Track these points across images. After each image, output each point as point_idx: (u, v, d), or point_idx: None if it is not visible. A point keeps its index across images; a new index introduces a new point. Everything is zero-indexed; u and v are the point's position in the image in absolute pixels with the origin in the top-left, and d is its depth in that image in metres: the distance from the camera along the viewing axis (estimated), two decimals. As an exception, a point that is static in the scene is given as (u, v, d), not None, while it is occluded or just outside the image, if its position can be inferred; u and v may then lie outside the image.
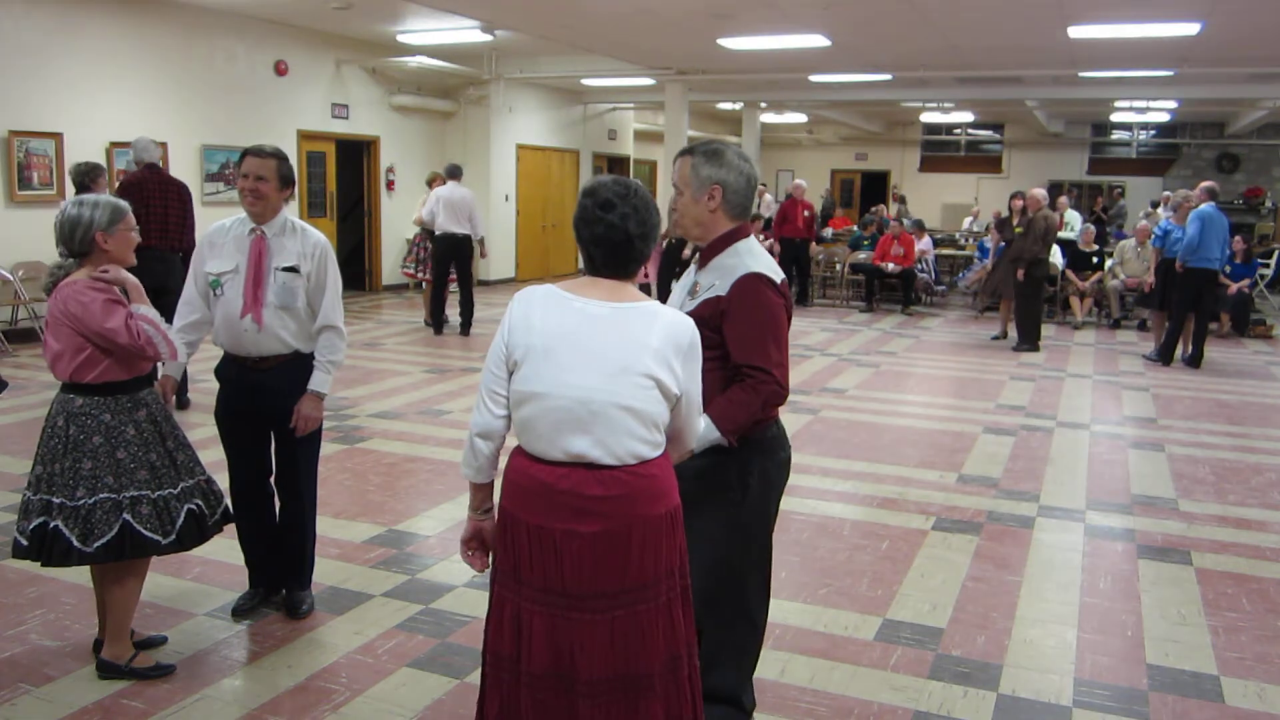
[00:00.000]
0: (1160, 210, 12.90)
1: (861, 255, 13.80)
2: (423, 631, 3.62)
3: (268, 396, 3.53)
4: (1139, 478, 5.85)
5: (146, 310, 3.11)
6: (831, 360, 9.47)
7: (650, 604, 2.25)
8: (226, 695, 3.16)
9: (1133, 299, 12.02)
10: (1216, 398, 8.19)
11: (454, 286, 10.52)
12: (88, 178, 6.38)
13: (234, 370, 3.59)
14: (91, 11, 9.60)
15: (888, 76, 13.95)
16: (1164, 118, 19.10)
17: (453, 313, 10.70)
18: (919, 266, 13.50)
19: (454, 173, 10.29)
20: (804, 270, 13.54)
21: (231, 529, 3.63)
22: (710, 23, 9.94)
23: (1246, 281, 12.10)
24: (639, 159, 19.78)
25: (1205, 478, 5.89)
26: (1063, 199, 14.65)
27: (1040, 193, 10.46)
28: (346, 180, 13.38)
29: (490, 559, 2.42)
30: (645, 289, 11.55)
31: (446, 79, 14.12)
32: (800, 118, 19.91)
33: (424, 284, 11.18)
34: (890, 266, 13.03)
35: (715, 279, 2.64)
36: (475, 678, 2.92)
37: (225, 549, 4.04)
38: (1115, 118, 19.68)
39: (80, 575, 3.67)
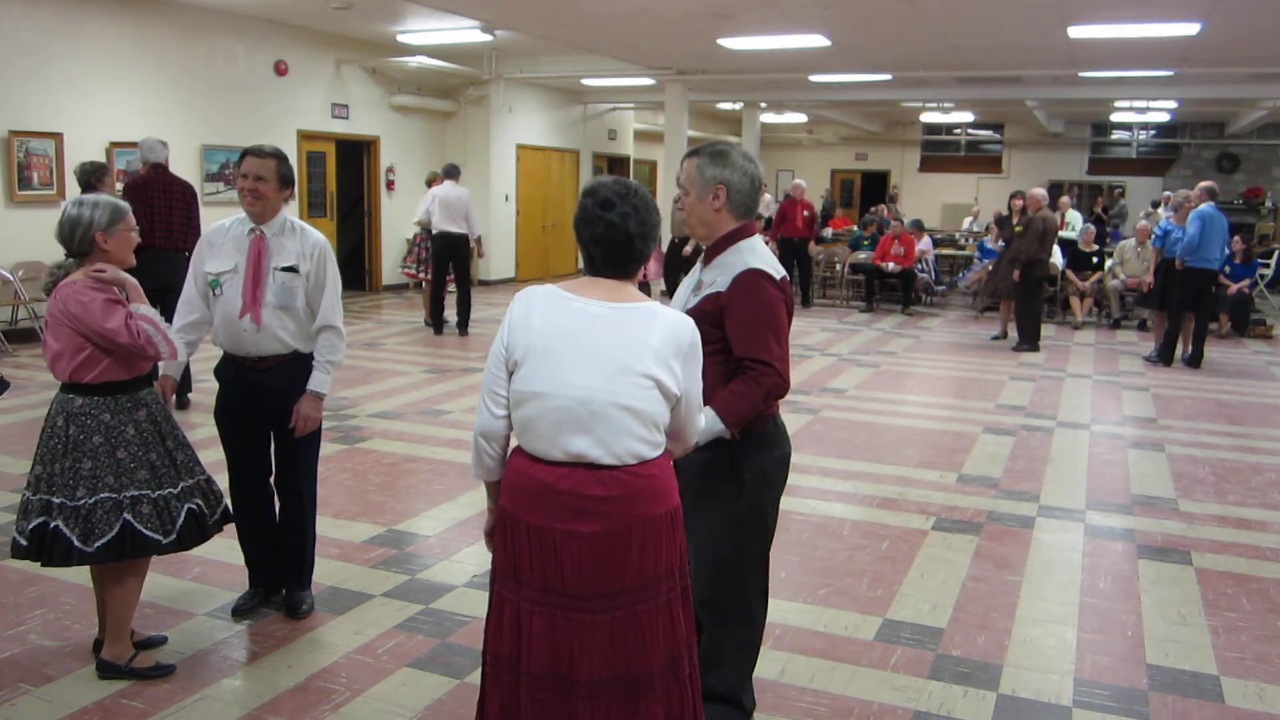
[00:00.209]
0: (1160, 210, 12.91)
1: (861, 255, 13.80)
2: (423, 631, 3.62)
3: (267, 396, 3.53)
4: (1139, 478, 5.85)
5: (146, 310, 3.11)
6: (831, 360, 9.47)
7: (650, 604, 2.25)
8: (226, 695, 3.16)
9: (1133, 299, 12.02)
10: (1216, 398, 8.19)
11: (453, 286, 10.52)
12: (93, 177, 6.39)
13: (233, 370, 3.59)
14: (91, 11, 9.60)
15: (888, 76, 13.94)
16: (1164, 118, 19.09)
17: (452, 313, 10.69)
18: (919, 266, 13.50)
19: (451, 172, 10.29)
20: (804, 270, 13.54)
21: (231, 529, 3.63)
22: (710, 23, 9.94)
23: (1246, 281, 12.10)
24: (639, 159, 19.78)
25: (1205, 478, 5.89)
26: (1064, 199, 14.64)
27: (1040, 193, 10.46)
28: (346, 180, 13.38)
29: (490, 559, 2.42)
30: (645, 288, 11.56)
31: (446, 79, 14.12)
32: (800, 118, 19.90)
33: (423, 284, 11.18)
34: (890, 266, 13.03)
35: (717, 275, 2.68)
36: (475, 678, 2.92)
37: (225, 549, 4.04)
38: (1115, 118, 19.68)
39: (80, 575, 3.67)
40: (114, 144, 9.74)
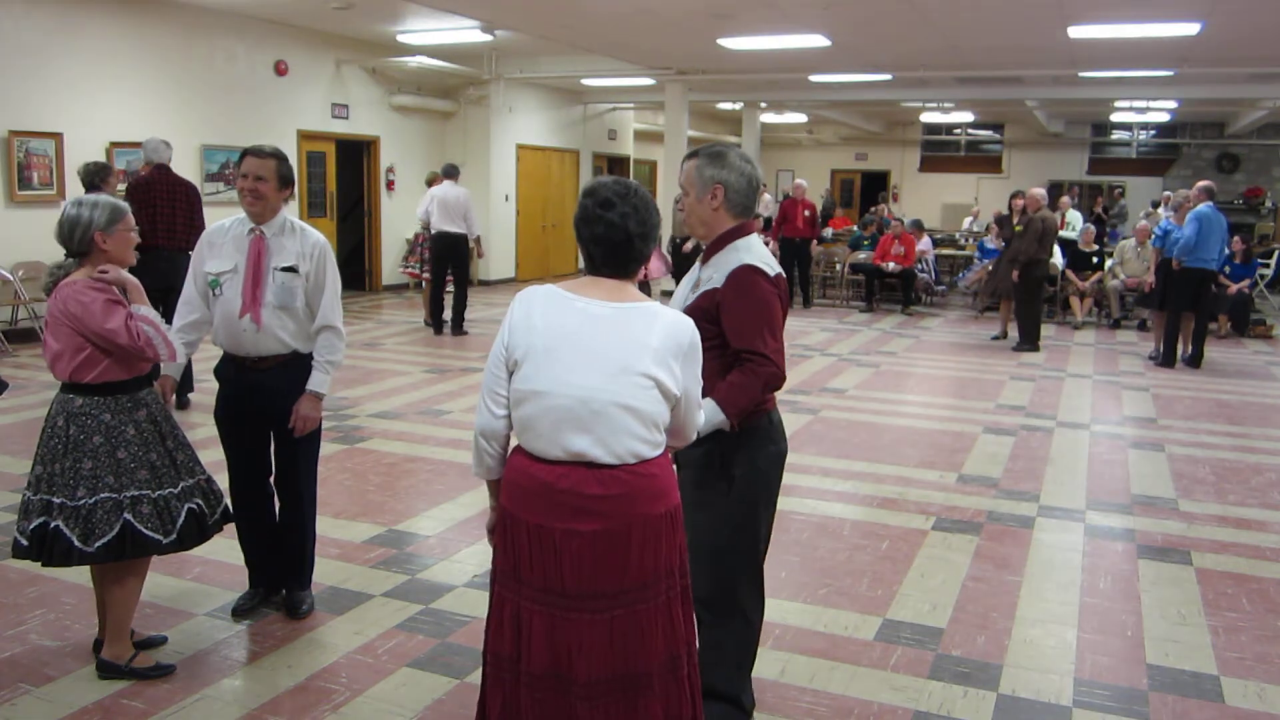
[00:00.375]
0: (1161, 210, 12.90)
1: (861, 255, 13.80)
2: (423, 631, 3.62)
3: (266, 396, 3.53)
4: (1139, 478, 5.85)
5: (146, 311, 3.11)
6: (831, 360, 9.47)
7: (650, 603, 2.25)
8: (226, 695, 3.16)
9: (1133, 299, 12.02)
10: (1216, 398, 8.19)
11: (452, 286, 10.53)
12: (97, 177, 6.40)
13: (233, 370, 3.59)
14: (91, 11, 9.60)
15: (888, 76, 13.94)
16: (1164, 118, 19.09)
17: (450, 312, 10.69)
18: (919, 266, 13.50)
19: (450, 172, 10.30)
20: (805, 270, 13.53)
21: (231, 529, 3.63)
22: (710, 23, 9.94)
23: (1246, 282, 12.10)
24: (639, 159, 19.77)
25: (1205, 478, 5.89)
26: (1064, 199, 14.64)
27: (1039, 192, 10.46)
28: (346, 180, 13.38)
29: (490, 558, 2.43)
30: (645, 288, 11.55)
31: (446, 79, 14.11)
32: (800, 118, 19.90)
33: (423, 283, 11.18)
34: (890, 266, 13.02)
35: (714, 273, 2.73)
36: (475, 678, 2.92)
37: (225, 549, 4.04)
38: (1115, 118, 19.68)
39: (80, 575, 3.67)
40: (114, 144, 9.74)
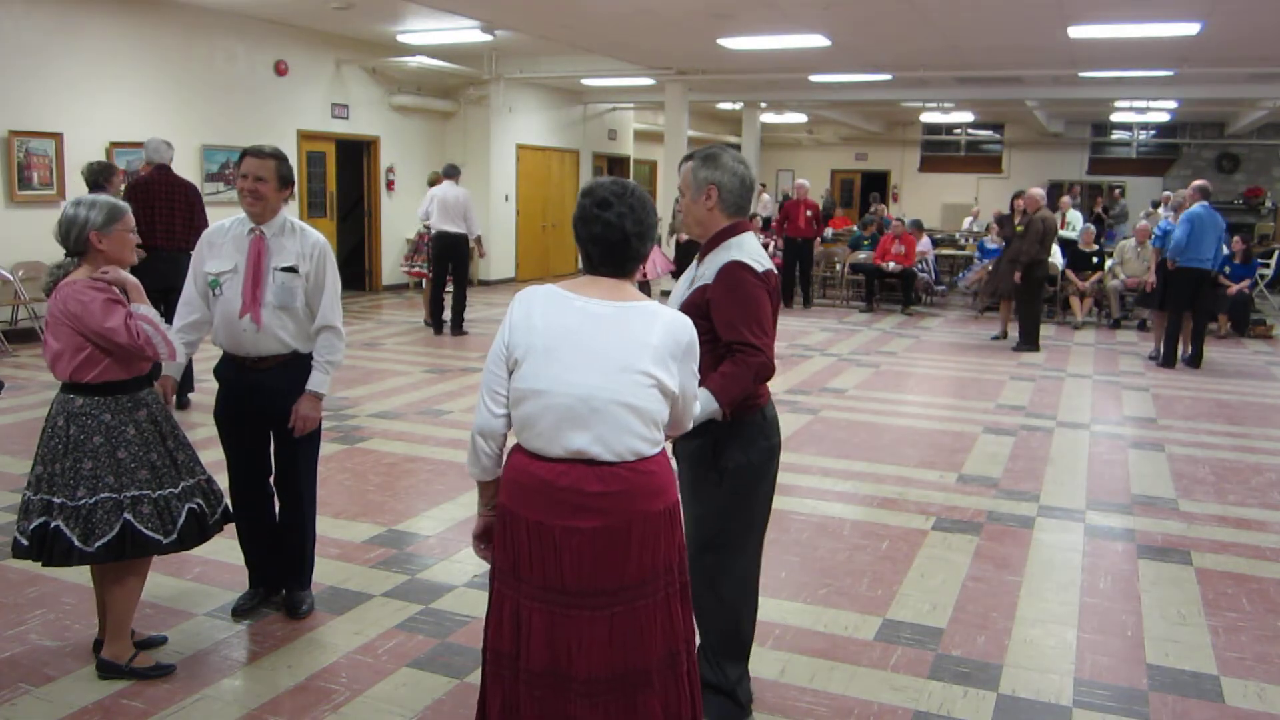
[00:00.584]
0: (1160, 210, 12.90)
1: (861, 255, 13.80)
2: (423, 631, 3.63)
3: (266, 396, 3.53)
4: (1139, 478, 5.85)
5: (146, 310, 3.11)
6: (831, 360, 9.47)
7: (649, 600, 2.26)
8: (226, 695, 3.16)
9: (1133, 299, 12.01)
10: (1216, 398, 8.19)
11: (452, 285, 10.52)
12: (100, 177, 6.40)
13: (232, 370, 3.59)
14: (91, 11, 9.60)
15: (888, 76, 13.94)
16: (1164, 118, 19.09)
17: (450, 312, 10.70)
18: (919, 266, 13.50)
19: (450, 172, 10.31)
20: (806, 270, 13.53)
21: (231, 529, 3.63)
22: (710, 23, 9.94)
23: (1246, 282, 12.10)
24: (639, 159, 19.77)
25: (1205, 478, 5.89)
26: (1065, 199, 14.64)
27: (1038, 193, 10.45)
28: (346, 180, 13.38)
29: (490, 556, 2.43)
30: (645, 287, 11.56)
31: (446, 79, 14.11)
32: (800, 118, 19.90)
33: (423, 282, 11.17)
34: (890, 266, 13.02)
35: (708, 270, 2.81)
36: (475, 677, 2.92)
37: (225, 549, 4.04)
38: (1115, 118, 19.67)
39: (80, 575, 3.67)
40: (114, 144, 9.74)
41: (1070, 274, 12.44)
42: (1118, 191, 20.91)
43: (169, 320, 3.36)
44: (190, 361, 5.46)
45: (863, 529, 4.87)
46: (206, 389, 6.63)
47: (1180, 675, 3.48)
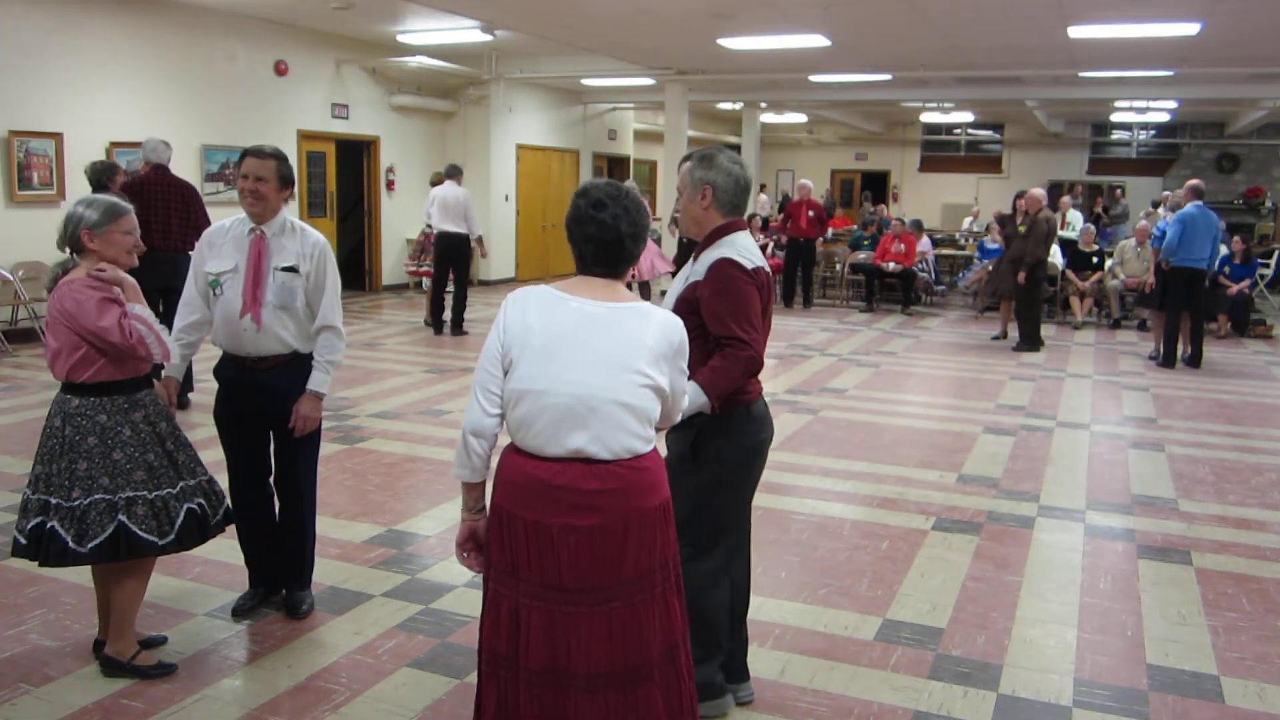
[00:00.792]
0: (1160, 210, 12.90)
1: (861, 255, 13.80)
2: (423, 631, 3.62)
3: (266, 396, 3.53)
4: (1139, 478, 5.85)
5: (141, 310, 3.10)
6: (831, 360, 9.47)
7: (646, 595, 2.29)
8: (226, 695, 3.16)
9: (1133, 299, 12.02)
10: (1216, 398, 8.19)
11: (452, 285, 10.52)
12: (104, 176, 6.40)
13: (233, 370, 3.59)
14: (91, 11, 9.60)
15: (888, 76, 13.94)
16: (1164, 118, 19.09)
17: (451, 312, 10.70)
18: (919, 266, 13.50)
19: (451, 173, 10.32)
20: (808, 270, 13.52)
21: (231, 529, 3.62)
22: (710, 23, 9.94)
23: (1246, 282, 12.09)
24: (639, 159, 19.77)
25: (1205, 478, 5.89)
26: (1065, 199, 14.64)
27: (1039, 193, 10.45)
28: (346, 180, 13.38)
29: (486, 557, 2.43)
30: (645, 287, 11.58)
31: (446, 79, 14.11)
32: (800, 118, 19.90)
33: (424, 282, 11.16)
34: (891, 266, 13.02)
35: (700, 267, 2.87)
36: (475, 678, 2.92)
37: (225, 549, 4.04)
38: (1115, 118, 19.68)
39: (80, 575, 3.67)
40: (114, 144, 9.73)
41: (1070, 274, 12.44)
42: (1119, 191, 20.92)
43: (168, 320, 3.36)
44: (190, 361, 5.46)
45: (863, 529, 4.87)
46: (206, 389, 6.63)
47: (1180, 675, 3.48)
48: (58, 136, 9.33)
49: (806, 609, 3.93)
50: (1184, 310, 9.53)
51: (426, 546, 4.47)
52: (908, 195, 23.42)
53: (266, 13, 11.08)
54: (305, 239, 3.53)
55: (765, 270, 2.88)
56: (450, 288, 10.51)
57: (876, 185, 24.11)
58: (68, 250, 3.17)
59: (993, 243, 13.01)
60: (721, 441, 2.87)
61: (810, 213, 13.23)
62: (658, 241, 14.11)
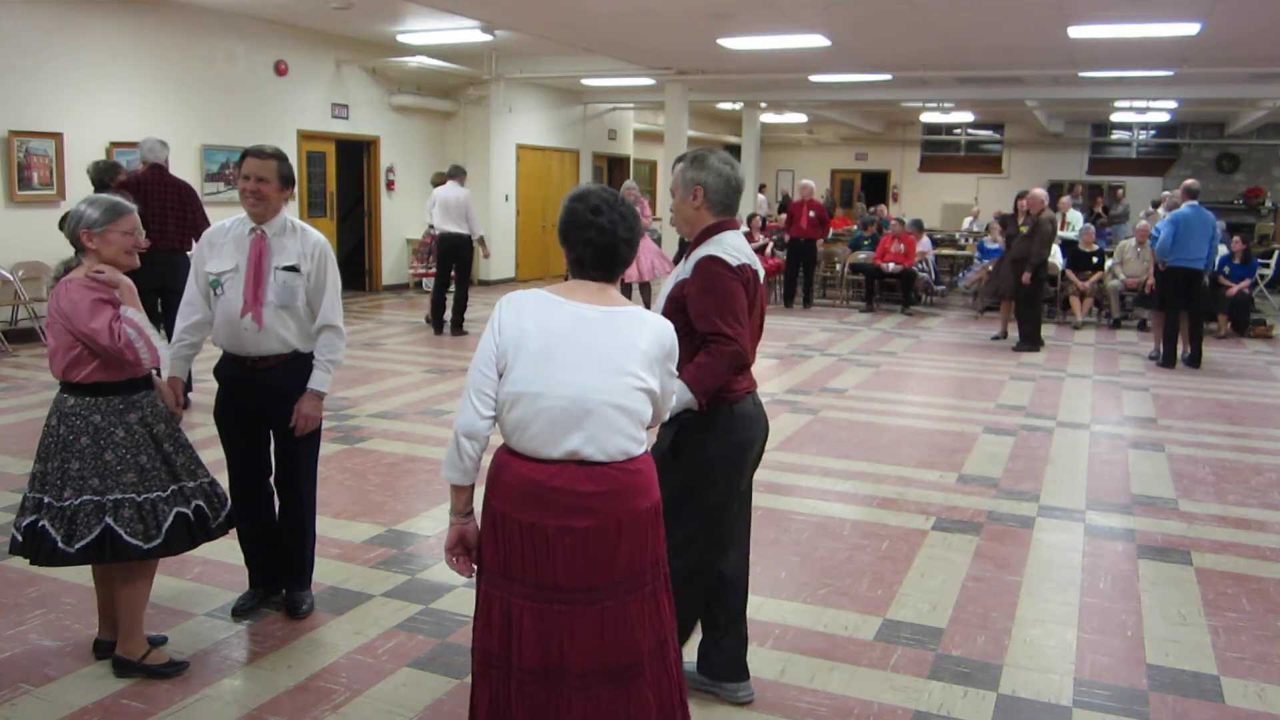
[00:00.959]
0: (1160, 210, 12.89)
1: (861, 255, 13.80)
2: (423, 631, 3.63)
3: (267, 396, 3.53)
4: (1139, 478, 5.85)
5: (134, 314, 3.08)
6: (831, 360, 9.47)
7: (638, 594, 2.32)
8: (226, 695, 3.16)
9: (1133, 299, 12.02)
10: (1216, 398, 8.19)
11: (454, 285, 10.53)
12: (106, 176, 6.40)
13: (233, 370, 3.59)
14: (91, 11, 9.60)
15: (888, 76, 13.95)
16: (1164, 118, 19.09)
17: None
18: (919, 266, 13.50)
19: (454, 173, 10.34)
20: (810, 271, 13.52)
21: (232, 529, 3.62)
22: (710, 23, 9.94)
23: (1246, 282, 12.09)
24: (639, 159, 19.77)
25: (1205, 478, 5.89)
26: (1065, 199, 14.63)
27: (1040, 193, 10.45)
28: (346, 180, 13.38)
29: (478, 558, 2.44)
30: (645, 288, 11.57)
31: (446, 79, 14.12)
32: (800, 118, 19.90)
33: (424, 282, 11.16)
34: (890, 266, 13.02)
35: (688, 265, 2.92)
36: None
37: (225, 549, 4.03)
38: (1115, 118, 19.68)
39: (80, 575, 3.67)
40: (114, 144, 9.73)
41: (1070, 274, 12.44)
42: (1120, 191, 20.92)
43: (167, 320, 3.36)
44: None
45: (863, 529, 4.87)
46: (206, 389, 6.62)
47: (1180, 675, 3.48)
48: (58, 136, 9.34)
49: (806, 609, 3.93)
50: (1183, 310, 9.54)
51: (426, 546, 4.47)
52: (908, 195, 23.43)
53: (266, 13, 11.08)
54: (306, 238, 3.53)
55: (752, 267, 2.90)
56: (451, 288, 10.51)
57: (876, 185, 24.12)
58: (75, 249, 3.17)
59: (993, 243, 13.01)
60: (705, 439, 2.88)
61: (812, 213, 13.21)
62: (658, 241, 14.12)
